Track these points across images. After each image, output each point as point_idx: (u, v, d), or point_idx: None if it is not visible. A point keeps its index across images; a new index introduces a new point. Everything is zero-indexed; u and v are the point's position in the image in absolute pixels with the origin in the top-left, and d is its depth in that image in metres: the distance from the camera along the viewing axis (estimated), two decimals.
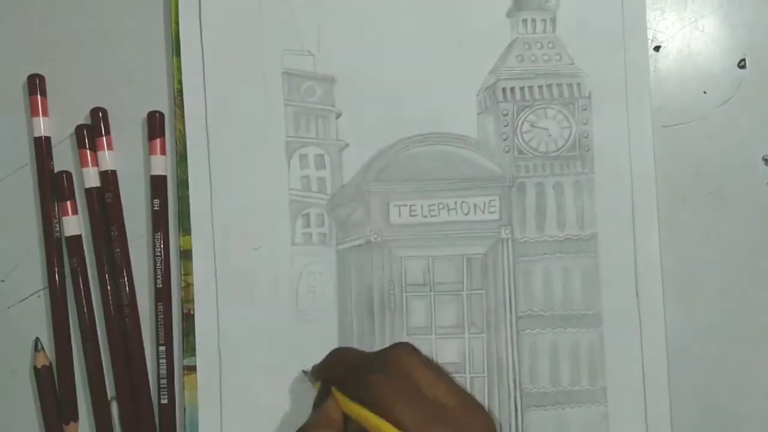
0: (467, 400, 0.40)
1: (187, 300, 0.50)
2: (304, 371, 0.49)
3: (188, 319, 0.50)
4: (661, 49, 0.50)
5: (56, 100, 0.51)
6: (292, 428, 0.49)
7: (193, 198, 0.50)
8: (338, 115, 0.50)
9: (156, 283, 0.50)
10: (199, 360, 0.49)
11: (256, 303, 0.50)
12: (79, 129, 0.50)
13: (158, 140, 0.50)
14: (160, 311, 0.50)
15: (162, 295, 0.50)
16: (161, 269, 0.50)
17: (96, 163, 0.50)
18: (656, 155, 0.50)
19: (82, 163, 0.50)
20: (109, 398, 0.50)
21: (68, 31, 0.51)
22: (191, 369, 0.50)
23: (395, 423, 0.38)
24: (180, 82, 0.50)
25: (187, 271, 0.50)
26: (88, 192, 0.50)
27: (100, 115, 0.50)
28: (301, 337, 0.50)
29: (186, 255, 0.50)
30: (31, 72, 0.51)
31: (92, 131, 0.50)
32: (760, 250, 0.50)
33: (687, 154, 0.50)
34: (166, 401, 0.50)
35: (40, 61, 0.51)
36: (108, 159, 0.50)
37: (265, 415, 0.49)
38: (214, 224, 0.50)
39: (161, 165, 0.50)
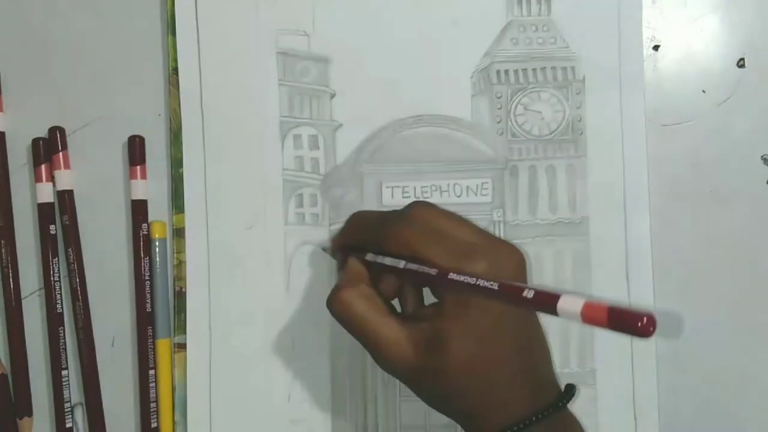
0: (493, 237, 0.41)
1: (180, 278, 0.50)
2: (323, 248, 0.49)
3: (180, 296, 0.50)
4: (660, 48, 0.50)
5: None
6: (281, 408, 0.50)
7: (186, 176, 0.50)
8: (332, 96, 0.50)
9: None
10: (190, 337, 0.50)
11: (248, 282, 0.50)
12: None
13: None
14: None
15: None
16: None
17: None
18: (655, 155, 0.50)
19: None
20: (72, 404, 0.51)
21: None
22: (182, 347, 0.50)
23: (430, 261, 0.38)
24: (175, 60, 0.50)
25: (179, 249, 0.50)
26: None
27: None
28: (292, 316, 0.50)
29: (179, 233, 0.50)
30: None
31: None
32: (758, 249, 0.50)
33: (686, 153, 0.50)
34: (155, 425, 0.50)
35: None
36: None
37: (255, 393, 0.50)
38: (207, 203, 0.50)
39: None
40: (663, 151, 0.50)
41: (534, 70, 0.50)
